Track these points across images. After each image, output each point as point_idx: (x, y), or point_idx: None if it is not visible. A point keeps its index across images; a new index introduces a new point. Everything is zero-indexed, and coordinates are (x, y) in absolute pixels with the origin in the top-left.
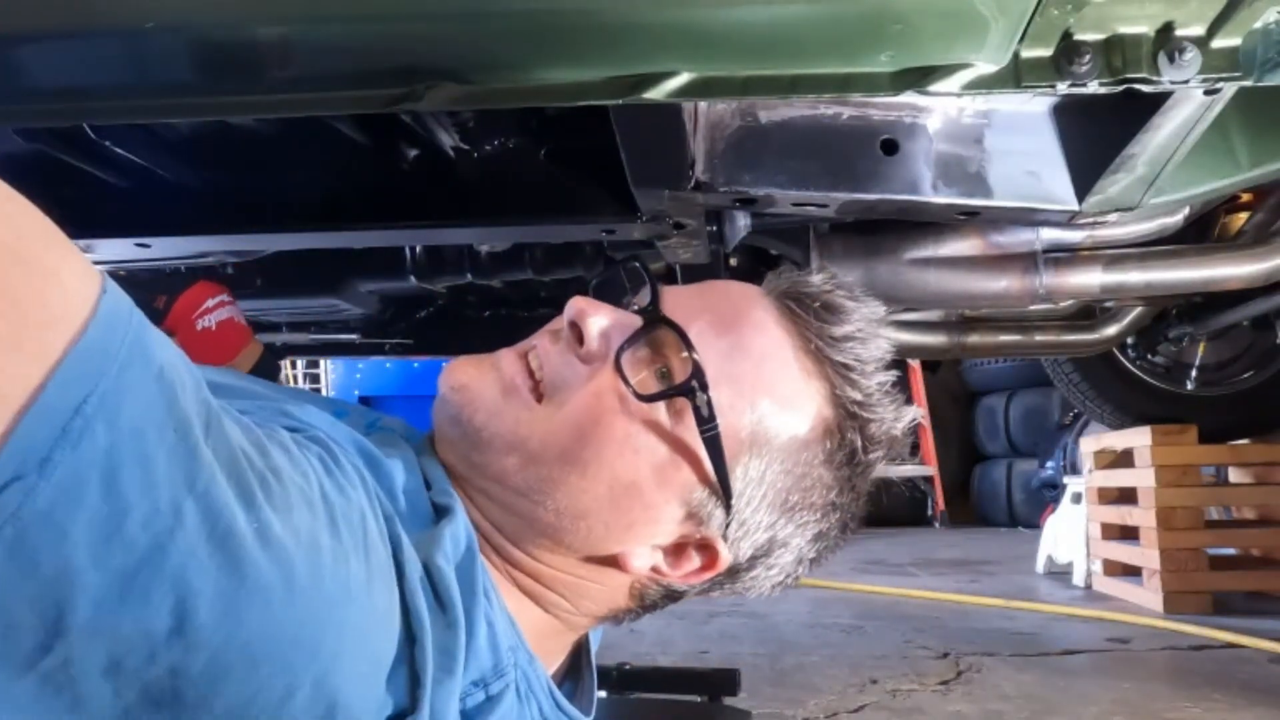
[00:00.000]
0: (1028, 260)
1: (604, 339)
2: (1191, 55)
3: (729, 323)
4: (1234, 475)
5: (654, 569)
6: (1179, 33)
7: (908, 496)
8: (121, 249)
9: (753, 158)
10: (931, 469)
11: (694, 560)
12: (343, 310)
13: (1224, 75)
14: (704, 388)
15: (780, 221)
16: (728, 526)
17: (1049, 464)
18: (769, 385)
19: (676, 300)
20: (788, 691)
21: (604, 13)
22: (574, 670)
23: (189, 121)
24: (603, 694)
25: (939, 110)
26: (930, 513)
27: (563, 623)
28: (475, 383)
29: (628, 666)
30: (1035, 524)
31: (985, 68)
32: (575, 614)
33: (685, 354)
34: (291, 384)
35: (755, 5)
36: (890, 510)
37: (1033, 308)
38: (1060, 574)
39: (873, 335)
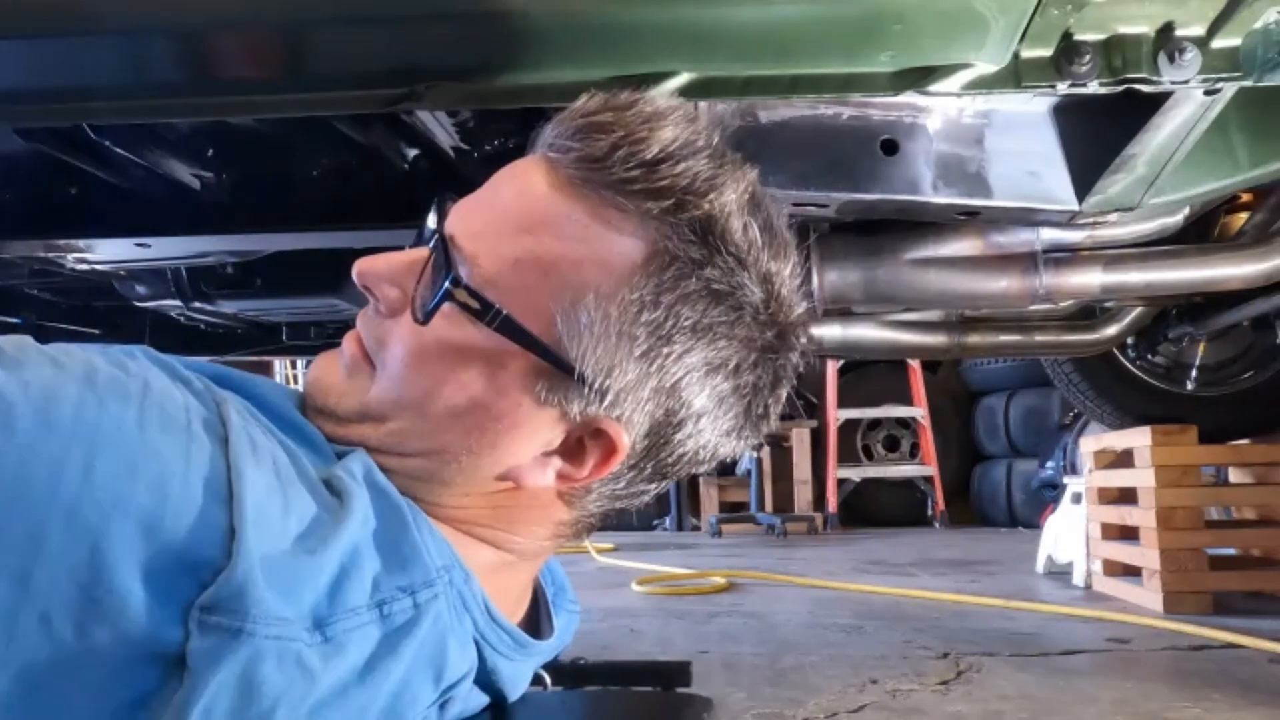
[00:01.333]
0: (1028, 260)
1: (396, 286)
2: (1191, 55)
3: (491, 203)
4: (1234, 475)
5: (560, 475)
6: (1179, 33)
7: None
8: (121, 249)
9: (753, 158)
10: (931, 469)
11: (594, 451)
12: (343, 310)
13: (1224, 75)
14: (457, 282)
15: None
16: (595, 399)
17: (1049, 464)
18: (550, 245)
19: (457, 211)
20: (788, 691)
21: (604, 13)
22: (535, 610)
23: (189, 121)
24: (559, 689)
25: (939, 110)
26: (930, 513)
27: (514, 554)
28: (325, 373)
29: (582, 661)
30: (1035, 524)
31: (985, 68)
32: (522, 540)
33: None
34: (292, 384)
35: (755, 5)
36: (890, 510)
37: (1033, 308)
38: (1060, 574)
39: (649, 132)
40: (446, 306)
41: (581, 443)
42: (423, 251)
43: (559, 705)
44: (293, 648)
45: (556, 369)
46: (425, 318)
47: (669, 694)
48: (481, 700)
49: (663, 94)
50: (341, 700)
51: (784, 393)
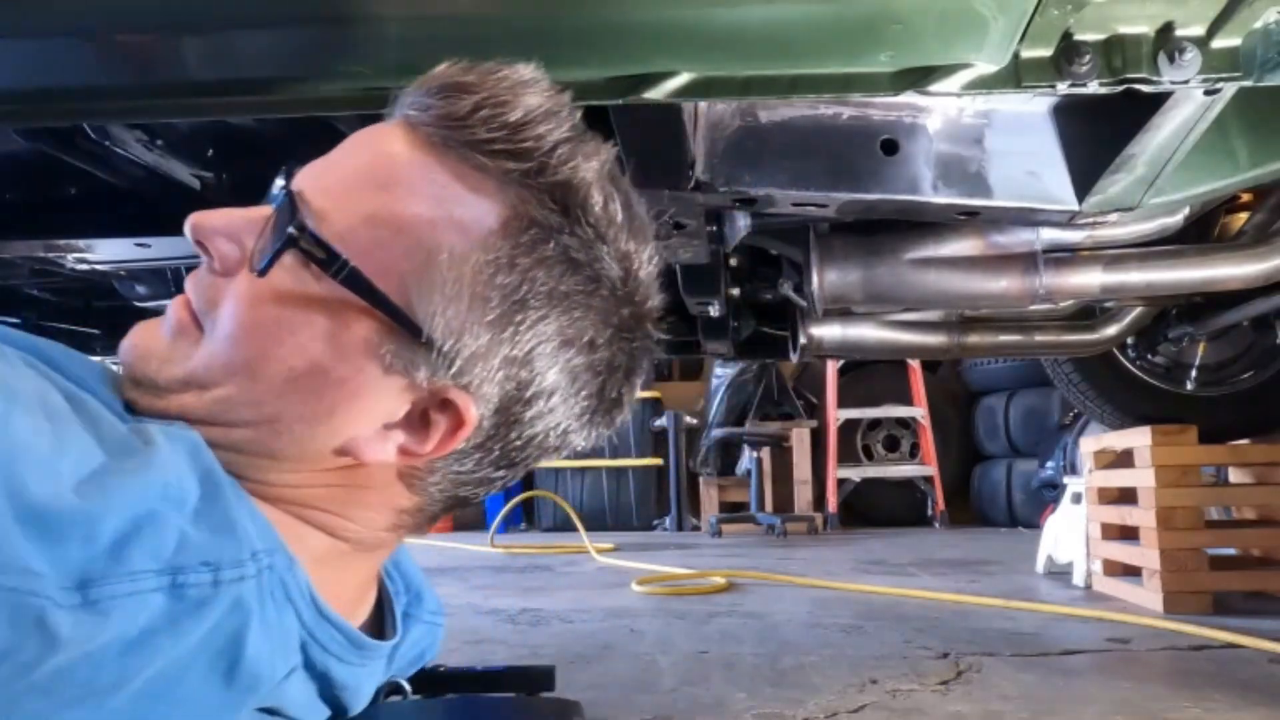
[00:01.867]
0: (1028, 260)
1: (233, 242)
2: (1191, 55)
3: (343, 162)
4: (1234, 475)
5: (402, 450)
6: (1179, 33)
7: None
8: (121, 249)
9: (753, 158)
10: (931, 469)
11: (441, 424)
12: None
13: (1224, 75)
14: (301, 229)
15: (780, 221)
16: (443, 366)
17: (1049, 464)
18: (406, 203)
19: (307, 170)
20: (788, 691)
21: (604, 13)
22: (379, 613)
23: (189, 121)
24: (418, 698)
25: (939, 110)
26: (930, 513)
27: (349, 543)
28: (145, 339)
29: (441, 669)
30: (1035, 524)
31: (985, 68)
32: (358, 528)
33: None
34: None
35: (755, 5)
36: (890, 510)
37: (1033, 308)
38: (1060, 574)
39: (514, 96)
40: (289, 260)
41: (427, 416)
42: (266, 209)
43: (418, 714)
44: (34, 604)
45: (404, 331)
46: (264, 267)
47: (535, 699)
48: (321, 713)
49: (528, 67)
50: (91, 671)
51: (638, 382)
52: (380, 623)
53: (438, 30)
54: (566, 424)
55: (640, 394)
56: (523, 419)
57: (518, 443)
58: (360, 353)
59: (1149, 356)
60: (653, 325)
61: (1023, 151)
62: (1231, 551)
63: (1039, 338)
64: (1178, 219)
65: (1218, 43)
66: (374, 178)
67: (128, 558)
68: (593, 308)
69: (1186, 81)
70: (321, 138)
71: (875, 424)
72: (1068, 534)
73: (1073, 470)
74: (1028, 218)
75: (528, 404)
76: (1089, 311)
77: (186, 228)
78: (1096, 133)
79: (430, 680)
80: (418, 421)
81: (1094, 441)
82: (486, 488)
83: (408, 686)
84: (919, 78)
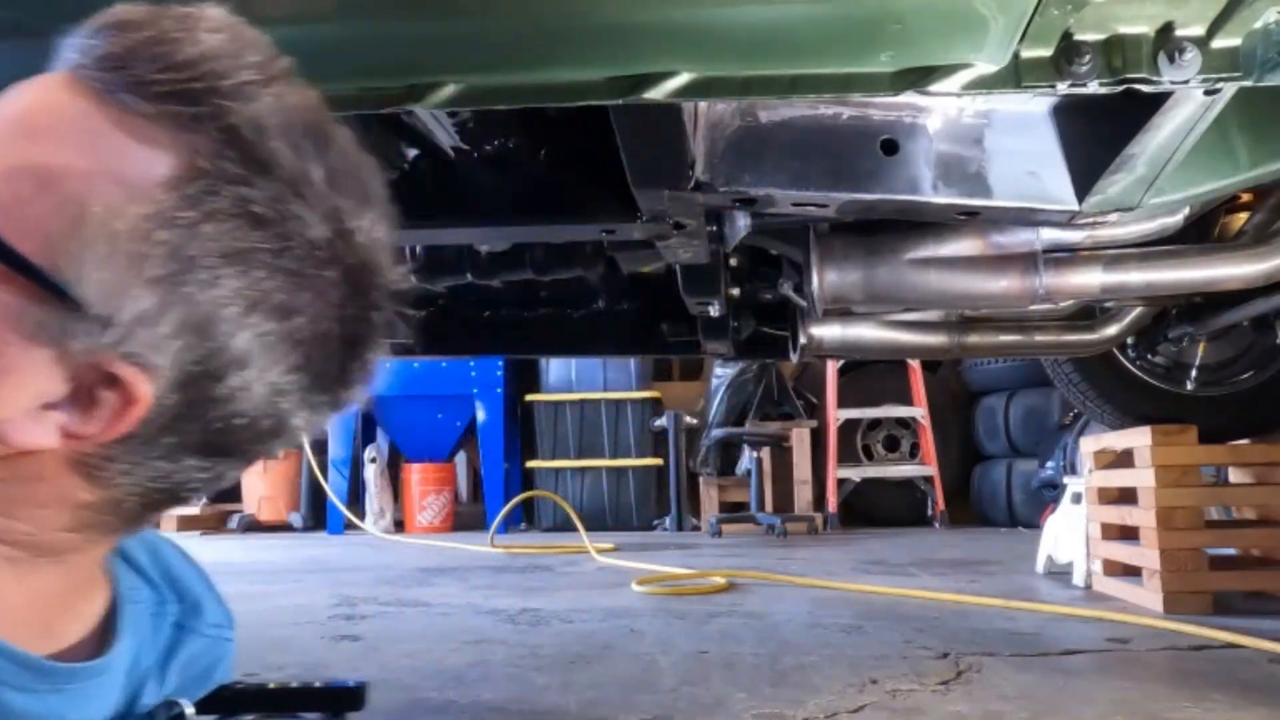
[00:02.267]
0: (1028, 260)
1: None
2: (1191, 55)
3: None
4: (1234, 475)
5: (66, 433)
6: (1179, 33)
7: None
8: None
9: (753, 158)
10: (931, 469)
11: (109, 401)
12: None
13: (1224, 75)
14: None
15: (780, 221)
16: (99, 332)
17: (1049, 464)
18: (54, 154)
19: None
20: (788, 691)
21: (604, 13)
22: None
23: None
24: (213, 718)
25: (939, 110)
26: (930, 513)
27: (24, 548)
28: None
29: (239, 685)
30: (1035, 524)
31: (985, 68)
32: (30, 529)
33: None
34: None
35: (755, 5)
36: (890, 510)
37: (1033, 308)
38: (1060, 574)
39: (186, 33)
40: None
41: (92, 393)
42: None
43: None
44: None
45: (51, 296)
46: None
47: None
48: None
49: (217, 9)
50: None
51: (368, 355)
52: (107, 637)
53: (438, 30)
54: (274, 401)
55: (640, 394)
56: (215, 395)
57: (219, 425)
58: (2, 323)
59: (1149, 356)
60: (381, 295)
61: (1023, 151)
62: (1231, 551)
63: (1039, 338)
64: (1178, 219)
65: (1218, 43)
66: (22, 128)
67: None
68: (282, 269)
69: (1186, 81)
70: None
71: (875, 424)
72: (1068, 534)
73: (1073, 470)
74: (1028, 218)
75: (216, 378)
76: (1089, 311)
77: None
78: (1096, 133)
79: (224, 700)
80: (85, 400)
81: (1094, 441)
82: (199, 478)
83: (189, 708)
84: (919, 78)
